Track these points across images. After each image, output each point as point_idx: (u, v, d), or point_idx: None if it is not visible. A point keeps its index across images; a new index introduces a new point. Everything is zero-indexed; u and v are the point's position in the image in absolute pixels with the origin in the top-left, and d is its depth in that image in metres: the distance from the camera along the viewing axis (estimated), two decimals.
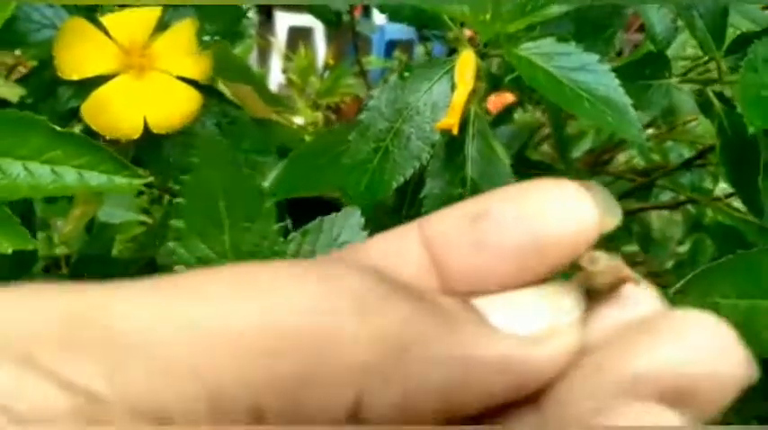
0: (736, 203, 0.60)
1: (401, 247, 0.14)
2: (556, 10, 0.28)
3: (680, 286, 0.26)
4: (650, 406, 0.11)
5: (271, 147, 0.40)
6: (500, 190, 0.14)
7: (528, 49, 0.28)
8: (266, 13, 1.71)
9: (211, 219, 0.21)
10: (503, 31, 0.28)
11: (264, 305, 0.11)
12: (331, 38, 1.90)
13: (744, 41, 0.32)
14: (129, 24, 0.34)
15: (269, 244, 0.21)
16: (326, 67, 1.39)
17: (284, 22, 1.86)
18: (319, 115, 1.05)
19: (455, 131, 0.27)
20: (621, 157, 0.73)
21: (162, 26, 0.34)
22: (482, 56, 0.29)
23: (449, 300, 0.12)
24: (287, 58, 1.48)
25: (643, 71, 0.33)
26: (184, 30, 0.34)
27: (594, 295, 0.13)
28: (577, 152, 0.68)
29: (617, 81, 0.26)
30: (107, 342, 0.10)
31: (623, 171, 0.68)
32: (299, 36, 1.61)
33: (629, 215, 0.71)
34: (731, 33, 0.34)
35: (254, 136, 0.39)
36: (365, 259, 0.14)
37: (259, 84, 0.48)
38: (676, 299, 0.25)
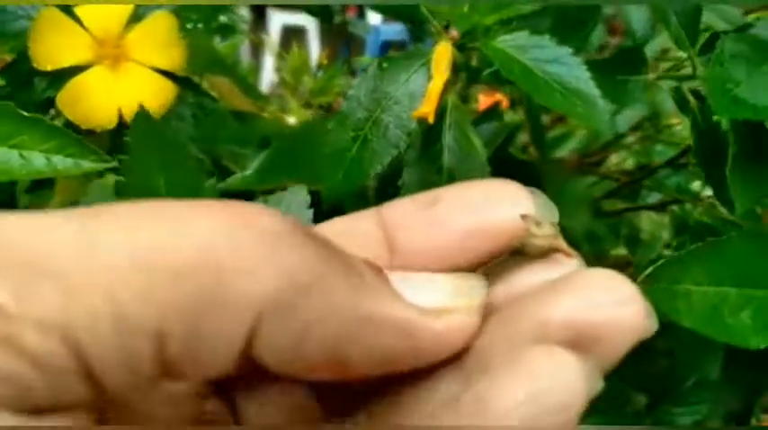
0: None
1: (357, 227, 0.15)
2: (530, 5, 0.28)
3: (650, 272, 0.26)
4: (553, 348, 0.12)
5: (250, 138, 0.40)
6: (452, 185, 0.15)
7: (504, 41, 0.27)
8: (259, 12, 1.71)
9: (152, 195, 0.20)
10: (479, 24, 0.28)
11: (174, 230, 0.11)
12: (325, 38, 1.90)
13: (716, 39, 0.32)
14: (104, 15, 0.34)
15: None
16: (320, 66, 1.39)
17: (278, 20, 1.86)
18: (312, 114, 1.05)
19: (431, 120, 0.27)
20: (614, 158, 0.74)
21: (136, 18, 0.34)
22: (460, 48, 0.29)
23: (363, 263, 0.13)
24: (280, 57, 1.48)
25: (619, 67, 0.33)
26: (159, 21, 0.34)
27: (528, 257, 0.14)
28: (563, 152, 0.68)
29: (588, 73, 0.26)
30: (14, 260, 0.10)
31: (613, 172, 0.68)
32: (292, 35, 1.61)
33: (616, 216, 0.71)
34: (707, 33, 0.34)
35: (233, 127, 0.39)
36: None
37: (240, 77, 0.48)
38: (646, 285, 0.25)
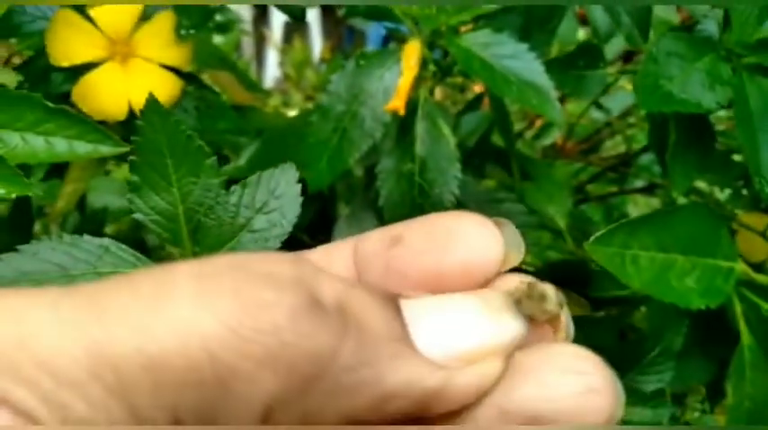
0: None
1: (337, 259, 0.15)
2: (493, 5, 0.31)
3: (600, 236, 0.28)
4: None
5: (247, 128, 0.43)
6: (420, 218, 0.14)
7: (468, 39, 0.31)
8: (262, 8, 1.73)
9: (161, 174, 0.24)
10: (446, 24, 0.31)
11: (174, 328, 0.11)
12: (327, 32, 1.92)
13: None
14: (115, 15, 0.37)
15: (213, 195, 0.24)
16: (323, 60, 1.42)
17: (280, 16, 1.88)
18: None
19: (401, 112, 0.30)
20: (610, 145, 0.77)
21: (145, 17, 0.37)
22: (430, 46, 0.32)
23: (376, 306, 0.12)
24: (283, 53, 1.51)
25: (577, 62, 0.36)
26: (164, 21, 0.37)
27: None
28: (548, 139, 0.71)
29: (542, 67, 0.29)
30: (33, 365, 0.10)
31: (599, 158, 0.71)
32: (295, 30, 1.64)
33: (604, 200, 0.74)
34: (664, 27, 0.37)
35: (232, 118, 0.42)
36: None
37: (240, 72, 0.51)
38: (597, 248, 0.28)
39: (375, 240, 0.14)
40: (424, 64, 0.32)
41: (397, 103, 0.30)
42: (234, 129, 0.42)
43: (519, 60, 0.30)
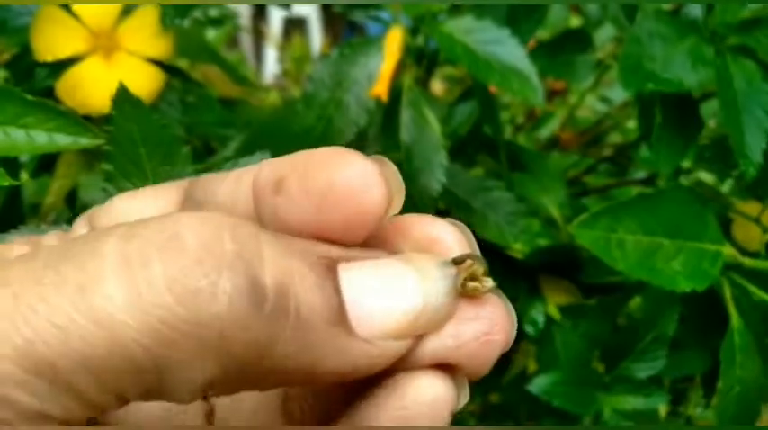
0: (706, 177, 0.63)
1: (245, 187, 0.14)
2: None
3: (585, 219, 0.28)
4: (422, 374, 0.13)
5: (235, 121, 0.43)
6: (302, 157, 0.14)
7: (450, 25, 0.30)
8: (260, 5, 1.73)
9: (134, 163, 0.24)
10: (429, 11, 0.31)
11: (103, 324, 0.11)
12: (326, 27, 1.92)
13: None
14: (98, 10, 0.37)
15: None
16: (323, 56, 1.41)
17: (279, 12, 1.88)
18: None
19: (384, 98, 0.30)
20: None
21: (127, 11, 0.37)
22: (414, 33, 0.32)
23: (315, 285, 0.12)
24: (282, 48, 1.50)
25: (566, 46, 0.35)
26: (147, 14, 0.37)
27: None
28: (547, 131, 0.71)
29: (524, 52, 0.29)
30: None
31: (603, 149, 0.71)
32: (294, 26, 1.64)
33: (604, 191, 0.73)
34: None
35: (218, 111, 0.42)
36: (210, 195, 0.15)
37: (227, 66, 0.51)
38: (582, 232, 0.28)
39: (264, 179, 0.14)
40: (408, 51, 0.31)
41: (380, 89, 0.29)
42: (220, 121, 0.42)
43: (501, 46, 0.29)
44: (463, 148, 0.46)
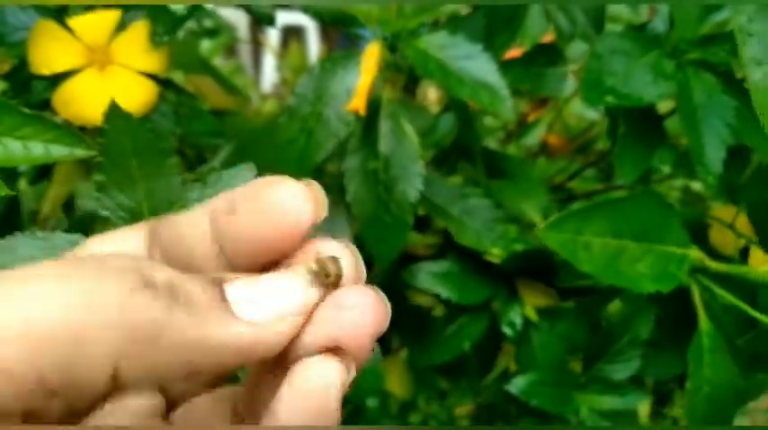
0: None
1: (197, 223, 0.17)
2: (451, 6, 0.33)
3: (552, 222, 0.29)
4: (312, 360, 0.16)
5: (225, 131, 0.44)
6: (251, 184, 0.17)
7: (425, 41, 0.32)
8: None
9: (125, 174, 0.25)
10: (405, 27, 0.32)
11: (41, 306, 0.14)
12: (324, 36, 1.94)
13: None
14: (93, 25, 0.39)
15: (175, 192, 0.26)
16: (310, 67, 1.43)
17: (277, 21, 1.90)
18: None
19: (362, 112, 0.32)
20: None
21: (122, 26, 0.39)
22: (392, 49, 0.34)
23: (201, 287, 0.16)
24: (280, 57, 1.52)
25: (537, 60, 0.37)
26: (140, 29, 0.39)
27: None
28: (533, 139, 0.72)
29: (495, 66, 0.31)
30: None
31: (579, 154, 0.72)
32: (291, 34, 1.65)
33: (590, 197, 0.75)
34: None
35: (209, 122, 0.43)
36: (174, 234, 0.17)
37: (220, 77, 0.53)
38: (550, 234, 0.29)
39: (220, 205, 0.17)
40: (387, 65, 0.33)
41: (357, 103, 0.31)
42: (211, 132, 0.44)
43: (473, 61, 0.31)
44: (446, 157, 0.48)
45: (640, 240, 0.31)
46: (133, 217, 0.26)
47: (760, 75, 0.26)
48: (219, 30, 0.74)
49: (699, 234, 0.45)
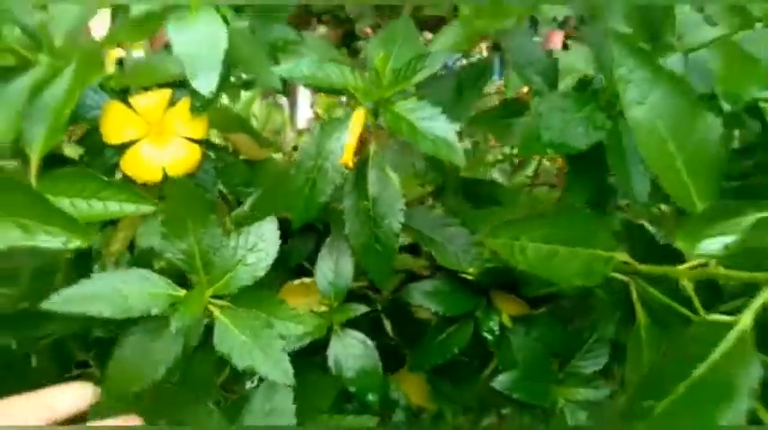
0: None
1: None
2: (420, 77, 0.42)
3: (491, 229, 0.37)
4: None
5: (257, 181, 0.55)
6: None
7: (399, 106, 0.42)
8: None
9: (181, 226, 0.36)
10: (382, 97, 0.42)
11: None
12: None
13: (585, 83, 0.45)
14: (149, 102, 0.50)
15: (218, 239, 0.36)
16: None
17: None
18: None
19: (350, 165, 0.41)
20: None
21: (171, 102, 0.50)
22: (375, 113, 0.43)
23: None
24: (314, 94, 1.64)
25: (504, 113, 0.46)
26: (184, 104, 0.49)
27: None
28: (522, 176, 0.81)
29: (451, 126, 0.40)
30: None
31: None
32: None
33: None
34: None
35: (243, 173, 0.54)
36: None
37: (253, 132, 0.63)
38: (491, 240, 0.38)
39: None
40: (370, 126, 0.42)
41: (346, 158, 0.41)
42: (246, 182, 0.54)
43: (434, 121, 0.40)
44: (441, 191, 0.57)
45: (570, 245, 0.39)
46: (188, 257, 0.37)
47: (639, 113, 0.34)
48: (249, 83, 0.84)
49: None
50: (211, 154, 0.53)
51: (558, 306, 0.51)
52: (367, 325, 0.48)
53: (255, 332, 0.37)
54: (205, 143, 0.51)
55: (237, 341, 0.36)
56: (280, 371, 0.36)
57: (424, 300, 0.48)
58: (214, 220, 0.38)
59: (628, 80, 0.35)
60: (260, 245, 0.38)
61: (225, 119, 0.62)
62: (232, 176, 0.53)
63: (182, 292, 0.39)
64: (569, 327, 0.51)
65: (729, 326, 0.29)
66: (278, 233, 0.39)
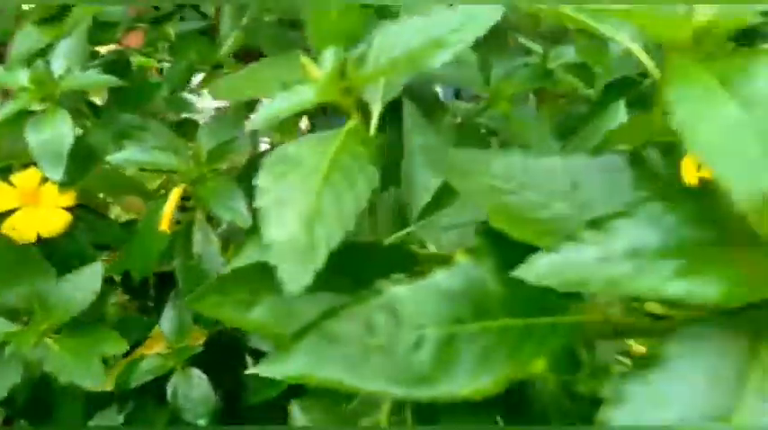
0: None
1: None
2: (229, 158, 0.51)
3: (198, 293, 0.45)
4: None
5: (126, 238, 0.63)
6: None
7: (212, 182, 0.50)
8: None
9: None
10: (200, 173, 0.51)
11: None
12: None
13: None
14: (26, 179, 0.59)
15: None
16: None
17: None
18: None
19: (168, 232, 0.50)
20: None
21: (45, 179, 0.59)
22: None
23: None
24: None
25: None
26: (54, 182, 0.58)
27: None
28: None
29: (242, 201, 0.48)
30: None
31: None
32: None
33: None
34: None
35: (115, 233, 0.63)
36: None
37: (145, 193, 0.72)
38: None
39: None
40: (188, 198, 0.51)
41: (164, 226, 0.49)
42: (117, 239, 0.63)
43: (233, 198, 0.49)
44: None
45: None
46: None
47: None
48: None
49: None
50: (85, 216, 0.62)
51: None
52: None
53: (77, 352, 0.46)
54: (80, 207, 0.60)
55: (61, 361, 0.46)
56: (92, 378, 0.45)
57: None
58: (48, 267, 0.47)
59: None
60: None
61: (114, 182, 0.71)
62: (103, 236, 0.62)
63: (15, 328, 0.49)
64: None
65: None
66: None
